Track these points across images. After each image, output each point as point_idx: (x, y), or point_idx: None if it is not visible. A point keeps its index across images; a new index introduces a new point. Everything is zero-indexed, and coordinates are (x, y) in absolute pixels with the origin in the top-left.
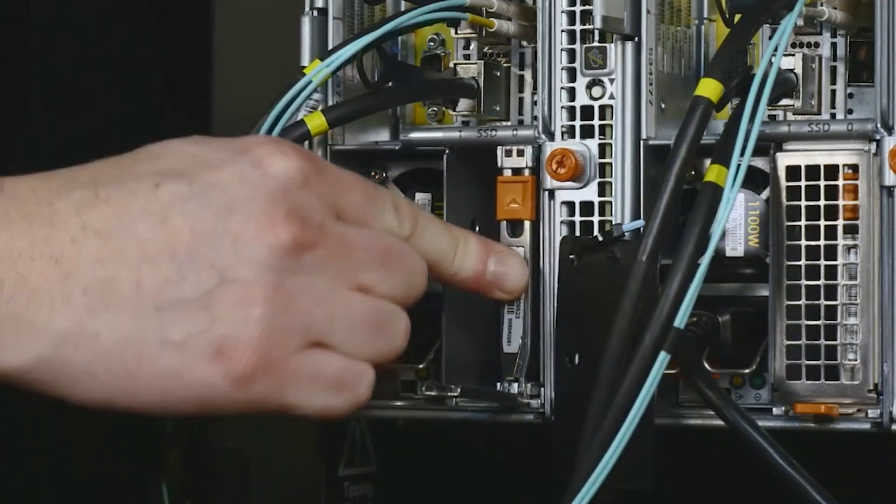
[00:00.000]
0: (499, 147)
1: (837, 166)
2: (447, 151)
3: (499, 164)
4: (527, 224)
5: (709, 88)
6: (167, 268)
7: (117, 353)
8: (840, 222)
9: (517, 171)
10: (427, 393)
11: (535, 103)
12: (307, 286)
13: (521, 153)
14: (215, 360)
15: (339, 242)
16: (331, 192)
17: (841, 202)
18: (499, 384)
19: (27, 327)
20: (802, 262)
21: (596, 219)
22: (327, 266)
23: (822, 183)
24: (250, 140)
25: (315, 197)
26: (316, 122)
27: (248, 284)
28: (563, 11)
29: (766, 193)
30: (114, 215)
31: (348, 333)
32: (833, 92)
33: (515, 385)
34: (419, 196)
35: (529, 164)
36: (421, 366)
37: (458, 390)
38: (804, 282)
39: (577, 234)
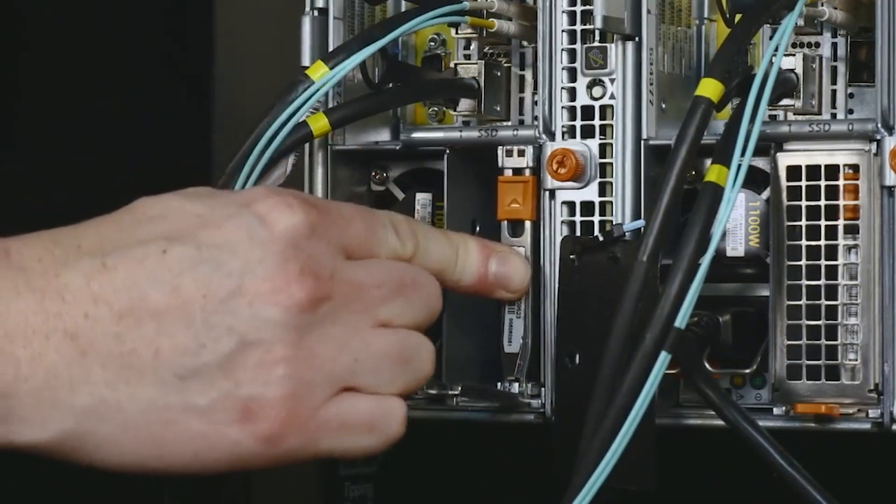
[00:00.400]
0: (499, 147)
1: (838, 166)
2: (448, 151)
3: (500, 164)
4: (527, 224)
5: (709, 88)
6: (184, 336)
7: (143, 422)
8: (840, 222)
9: (518, 171)
10: (428, 391)
11: (535, 103)
12: (327, 337)
13: (521, 153)
14: (243, 422)
15: (352, 286)
16: (336, 234)
17: (841, 202)
18: (499, 384)
19: (48, 405)
20: (803, 262)
21: (596, 219)
22: (344, 312)
23: (822, 183)
24: (251, 194)
25: (323, 244)
26: (319, 123)
27: (268, 345)
28: (563, 11)
29: (766, 193)
30: (124, 286)
31: (374, 373)
32: (833, 92)
33: (516, 385)
34: (420, 196)
35: (530, 164)
36: None
37: (459, 389)
38: (805, 282)
39: (578, 234)
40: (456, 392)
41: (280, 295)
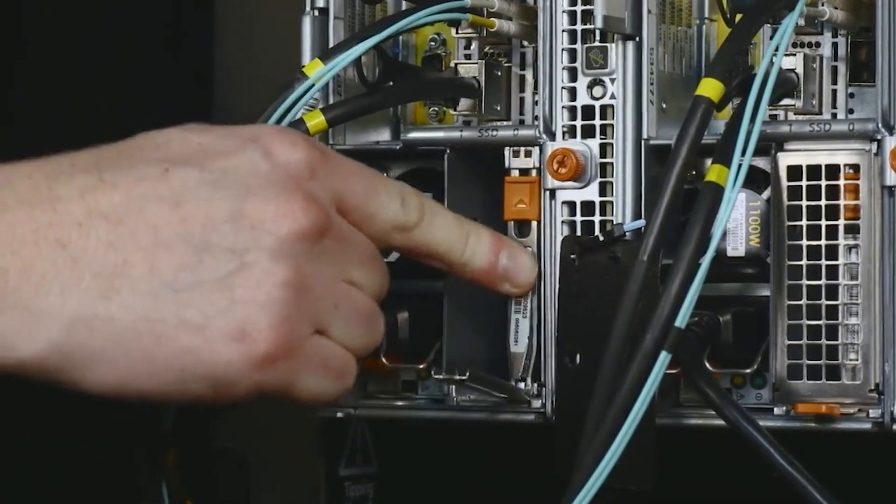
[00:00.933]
0: (506, 148)
1: (838, 166)
2: (448, 151)
3: (506, 164)
4: (534, 224)
5: (710, 88)
6: (182, 252)
7: (134, 335)
8: (841, 222)
9: (524, 172)
10: (436, 377)
11: (535, 103)
12: (319, 273)
13: (528, 154)
14: (238, 340)
15: (342, 234)
16: (335, 183)
17: (842, 202)
18: None
19: (38, 315)
20: (804, 262)
21: (597, 218)
22: (334, 255)
23: (823, 183)
24: (256, 129)
25: (321, 187)
26: (315, 120)
27: (269, 267)
28: (563, 11)
29: (767, 193)
30: (122, 199)
31: (346, 323)
32: (834, 92)
33: (522, 385)
34: None
35: (537, 165)
36: (421, 366)
37: (467, 374)
38: (805, 281)
39: (578, 233)
40: (464, 377)
41: (285, 219)
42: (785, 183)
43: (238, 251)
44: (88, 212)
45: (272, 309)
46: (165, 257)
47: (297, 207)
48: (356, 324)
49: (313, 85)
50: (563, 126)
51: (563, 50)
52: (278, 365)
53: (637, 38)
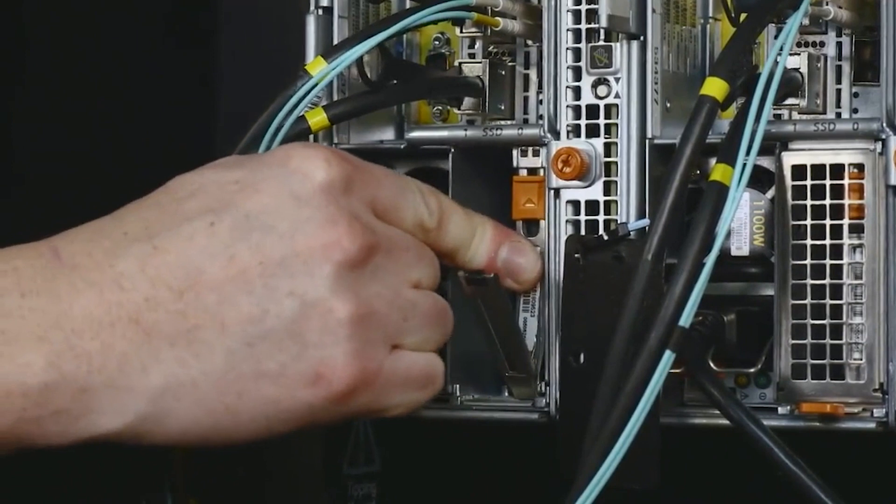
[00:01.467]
0: (514, 147)
1: (843, 165)
2: (452, 150)
3: (514, 163)
4: (542, 223)
5: (714, 87)
6: (247, 303)
7: (217, 395)
8: (845, 221)
9: (532, 171)
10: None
11: (540, 102)
12: (379, 294)
13: (536, 153)
14: (315, 384)
15: (390, 242)
16: (370, 191)
17: (846, 201)
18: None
19: (124, 391)
20: (808, 262)
21: (601, 218)
22: (388, 268)
23: (827, 182)
24: (285, 151)
25: (357, 199)
26: (317, 118)
27: (330, 304)
28: (568, 10)
29: (771, 192)
30: (178, 264)
31: (419, 331)
32: (838, 91)
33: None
34: None
35: (545, 164)
36: None
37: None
38: (809, 281)
39: (583, 233)
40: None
41: (333, 250)
42: (789, 182)
43: (298, 293)
44: (152, 284)
45: (342, 347)
46: (232, 314)
47: (343, 234)
48: (428, 326)
49: (316, 84)
50: (567, 125)
51: (567, 49)
52: (359, 396)
53: (641, 38)
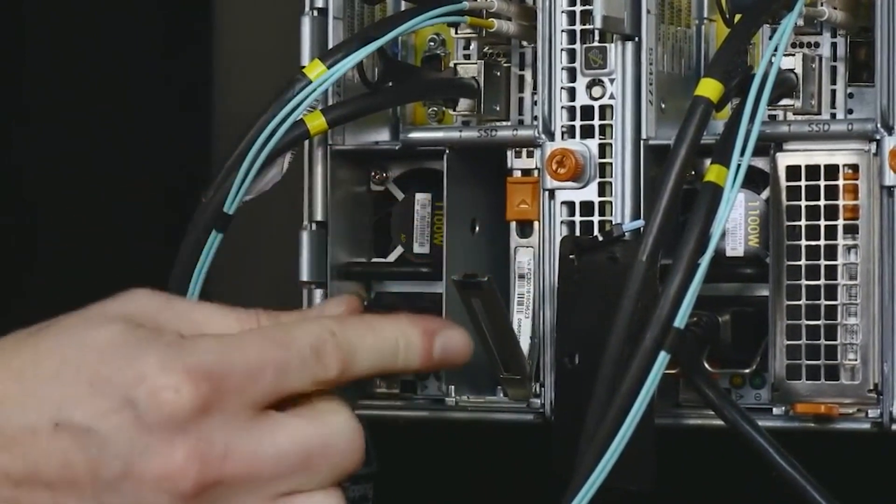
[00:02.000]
0: (508, 149)
1: (837, 166)
2: (447, 151)
3: (508, 164)
4: (536, 224)
5: (709, 88)
6: None
7: None
8: (840, 222)
9: (526, 172)
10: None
11: (535, 103)
12: None
13: (530, 154)
14: None
15: (249, 464)
16: (237, 399)
17: (841, 202)
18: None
19: None
20: (802, 262)
21: (596, 219)
22: (238, 492)
23: (822, 183)
24: (143, 369)
25: (217, 419)
26: (315, 122)
27: None
28: (563, 11)
29: (766, 193)
30: (19, 456)
31: None
32: (833, 92)
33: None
34: (419, 196)
35: (539, 165)
36: None
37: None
38: (804, 282)
39: (578, 233)
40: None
41: (165, 483)
42: (784, 183)
43: None
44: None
45: None
46: None
47: (178, 467)
48: None
49: (317, 89)
50: (562, 126)
51: (562, 50)
52: None
53: (636, 39)
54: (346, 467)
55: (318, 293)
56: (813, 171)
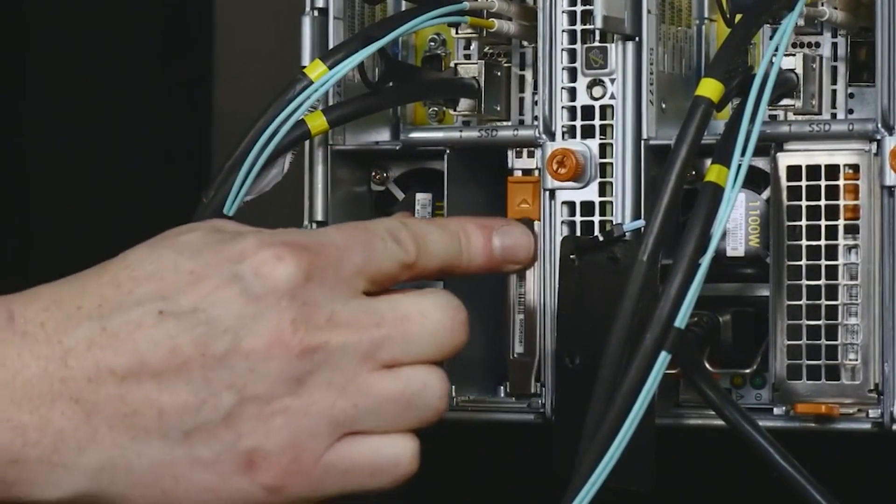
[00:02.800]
0: (509, 149)
1: (838, 166)
2: (448, 151)
3: (509, 164)
4: (537, 224)
5: (709, 88)
6: (185, 393)
7: (153, 479)
8: (841, 222)
9: (527, 172)
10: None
11: (535, 103)
12: (325, 382)
13: (531, 154)
14: (247, 472)
15: (350, 329)
16: (333, 272)
17: (842, 202)
18: (502, 386)
19: (59, 467)
20: (803, 262)
21: (596, 219)
22: (342, 357)
23: (822, 183)
24: (242, 247)
25: (318, 288)
26: (316, 122)
27: (266, 397)
28: (563, 11)
29: (766, 193)
30: (123, 349)
31: (375, 417)
32: (834, 92)
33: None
34: (420, 196)
35: (539, 165)
36: None
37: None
38: (805, 282)
39: (578, 234)
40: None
41: (274, 349)
42: (784, 183)
43: (237, 386)
44: (96, 365)
45: (273, 437)
46: (171, 402)
47: (286, 332)
48: (391, 410)
49: (318, 89)
50: (562, 126)
51: (562, 50)
52: (294, 487)
53: (637, 39)
54: (443, 338)
55: None
56: (814, 171)
